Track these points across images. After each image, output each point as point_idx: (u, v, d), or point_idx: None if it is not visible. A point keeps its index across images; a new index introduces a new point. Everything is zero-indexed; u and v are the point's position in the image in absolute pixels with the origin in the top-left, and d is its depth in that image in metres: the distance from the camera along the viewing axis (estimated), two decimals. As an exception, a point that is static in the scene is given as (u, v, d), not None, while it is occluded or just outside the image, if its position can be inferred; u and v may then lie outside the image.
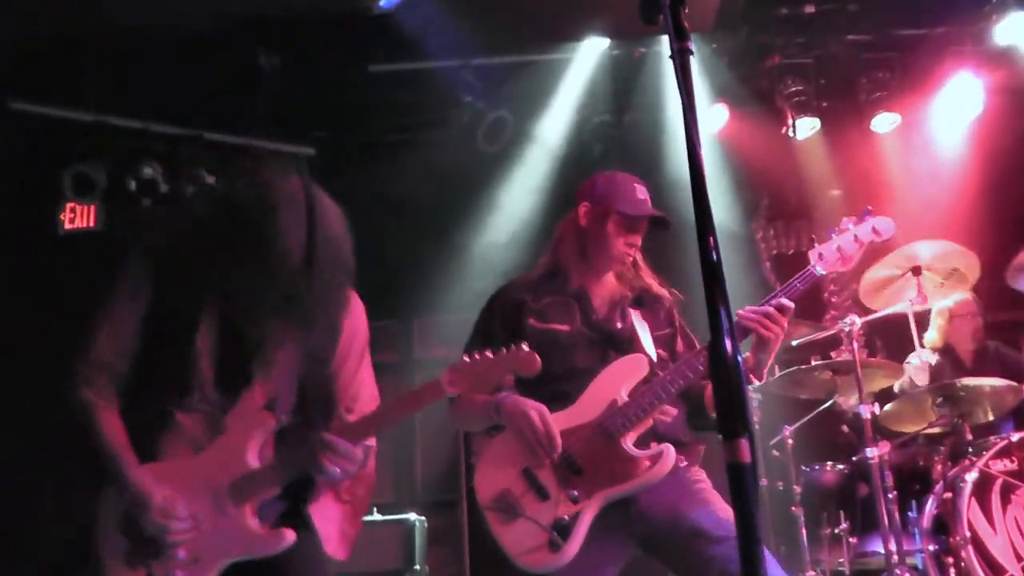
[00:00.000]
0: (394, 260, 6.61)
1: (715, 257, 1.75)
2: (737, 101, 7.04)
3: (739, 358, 1.72)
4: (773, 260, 7.49)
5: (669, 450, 3.06)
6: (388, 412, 2.79)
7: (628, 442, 3.08)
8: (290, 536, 2.67)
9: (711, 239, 1.76)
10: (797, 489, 5.47)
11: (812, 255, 3.20)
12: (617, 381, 3.18)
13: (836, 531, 5.30)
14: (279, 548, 2.66)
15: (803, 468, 5.60)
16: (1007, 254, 5.48)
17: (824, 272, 3.18)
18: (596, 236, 3.39)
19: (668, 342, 3.44)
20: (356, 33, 6.22)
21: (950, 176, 7.22)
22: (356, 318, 2.96)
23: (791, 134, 7.04)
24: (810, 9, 6.67)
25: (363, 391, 2.97)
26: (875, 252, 4.46)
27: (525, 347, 2.81)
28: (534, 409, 3.11)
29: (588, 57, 6.78)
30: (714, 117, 6.95)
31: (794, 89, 6.97)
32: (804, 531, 5.37)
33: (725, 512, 3.03)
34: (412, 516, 5.75)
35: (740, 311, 3.06)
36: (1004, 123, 7.11)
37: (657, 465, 3.04)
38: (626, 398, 3.14)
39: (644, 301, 3.47)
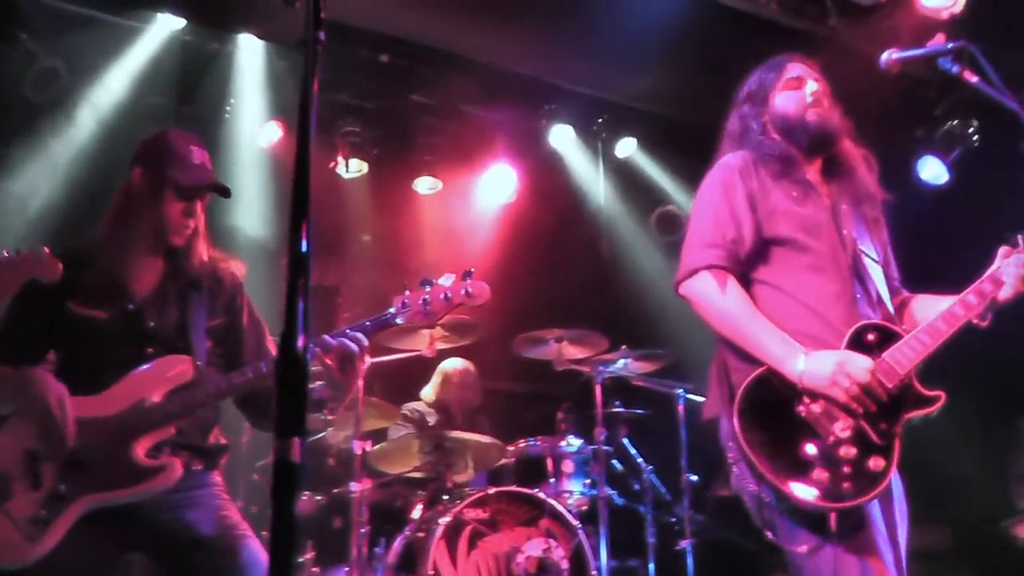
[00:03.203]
0: None
1: (305, 248, 1.70)
2: (294, 123, 6.99)
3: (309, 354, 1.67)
4: (293, 286, 7.47)
5: (174, 466, 2.90)
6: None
7: (140, 448, 2.88)
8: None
9: (304, 227, 1.71)
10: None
11: (396, 301, 2.99)
12: (150, 381, 2.96)
13: (300, 560, 5.32)
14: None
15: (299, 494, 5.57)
16: (516, 328, 5.92)
17: (402, 322, 3.00)
18: (149, 204, 3.12)
19: (224, 332, 3.22)
20: None
21: (477, 247, 7.73)
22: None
23: (340, 171, 7.16)
24: (385, 59, 6.86)
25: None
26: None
27: (46, 250, 2.66)
28: (54, 392, 2.85)
29: (159, 34, 6.36)
30: (269, 131, 6.89)
31: (351, 129, 7.12)
32: (267, 558, 5.30)
33: (230, 520, 2.97)
34: None
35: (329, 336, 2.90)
36: (532, 215, 7.77)
37: (159, 478, 2.88)
38: (156, 400, 2.93)
39: (200, 285, 3.21)
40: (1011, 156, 2.69)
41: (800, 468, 2.63)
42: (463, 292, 3.02)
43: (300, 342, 1.63)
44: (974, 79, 2.82)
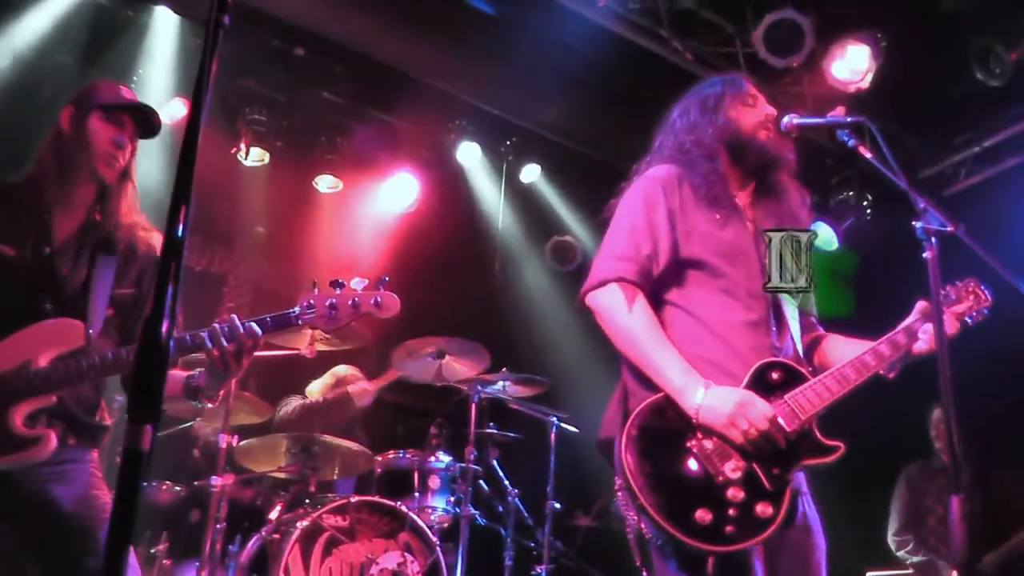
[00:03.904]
0: None
1: (180, 233, 1.65)
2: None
3: (172, 342, 1.63)
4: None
5: (49, 437, 2.76)
6: None
7: (18, 415, 2.73)
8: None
9: (183, 212, 1.67)
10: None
11: (302, 301, 2.83)
12: (41, 342, 2.81)
13: (153, 551, 5.19)
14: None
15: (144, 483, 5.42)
16: (398, 338, 5.86)
17: (304, 323, 2.84)
18: (77, 136, 3.02)
19: (129, 304, 3.05)
20: None
21: (370, 252, 7.68)
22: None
23: (241, 157, 7.04)
24: (300, 52, 6.78)
25: None
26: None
27: None
28: None
29: (72, -10, 6.20)
30: (173, 108, 6.73)
31: (257, 118, 7.01)
32: (124, 545, 5.16)
33: (98, 501, 2.88)
34: None
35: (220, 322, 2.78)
36: (429, 228, 7.77)
37: (32, 449, 2.74)
38: (42, 365, 2.77)
39: (114, 247, 3.02)
40: (901, 232, 2.73)
41: (684, 505, 2.53)
42: (372, 301, 2.87)
43: (164, 327, 1.59)
44: (868, 155, 2.90)
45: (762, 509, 2.56)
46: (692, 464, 2.60)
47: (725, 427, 2.59)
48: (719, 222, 2.90)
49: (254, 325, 2.78)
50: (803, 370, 2.77)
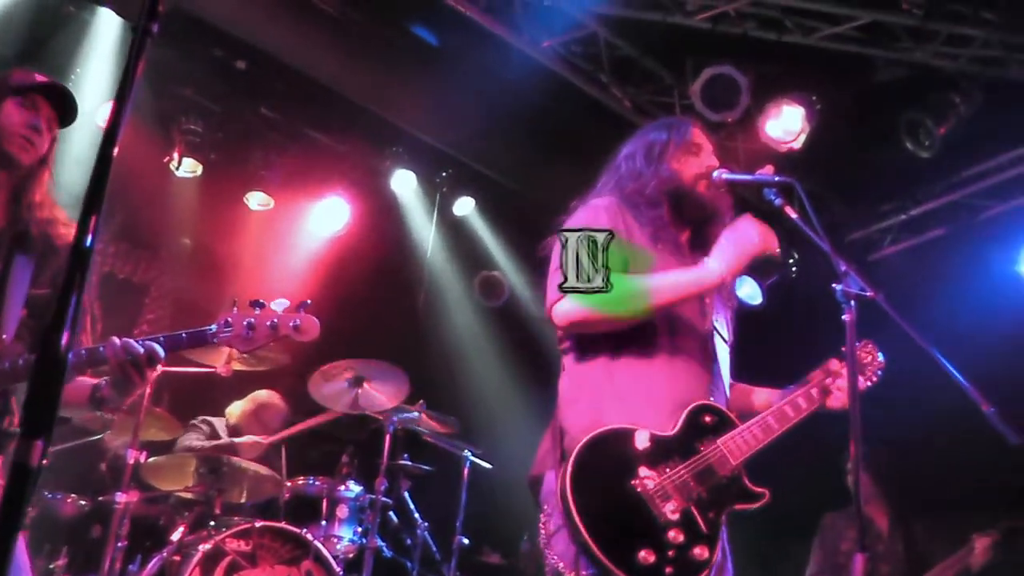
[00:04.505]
0: None
1: (89, 243, 1.60)
2: (138, 108, 6.75)
3: (71, 355, 1.57)
4: (103, 277, 7.15)
5: None
6: None
7: None
8: None
9: (93, 222, 1.62)
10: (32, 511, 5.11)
11: (220, 318, 2.75)
12: None
13: (52, 566, 5.04)
14: None
15: (45, 494, 5.26)
16: (316, 361, 5.78)
17: (219, 342, 2.73)
18: None
19: (45, 306, 2.86)
20: None
21: (296, 273, 7.60)
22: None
23: (173, 167, 6.93)
24: (241, 65, 6.72)
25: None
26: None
27: None
28: None
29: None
30: (108, 110, 6.58)
31: (192, 127, 6.93)
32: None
33: None
34: None
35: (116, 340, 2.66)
36: (358, 253, 7.71)
37: None
38: None
39: (31, 244, 2.86)
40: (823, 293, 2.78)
41: (628, 545, 2.51)
42: (291, 324, 2.76)
43: (64, 339, 1.54)
44: (794, 215, 2.92)
45: (699, 552, 2.58)
46: (634, 504, 2.58)
47: (758, 246, 2.82)
48: (660, 251, 2.93)
49: (156, 346, 2.66)
50: (732, 416, 2.80)
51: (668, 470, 2.63)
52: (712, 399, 2.83)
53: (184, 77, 6.75)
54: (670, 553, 2.54)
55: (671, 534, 2.56)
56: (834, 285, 2.67)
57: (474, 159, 7.48)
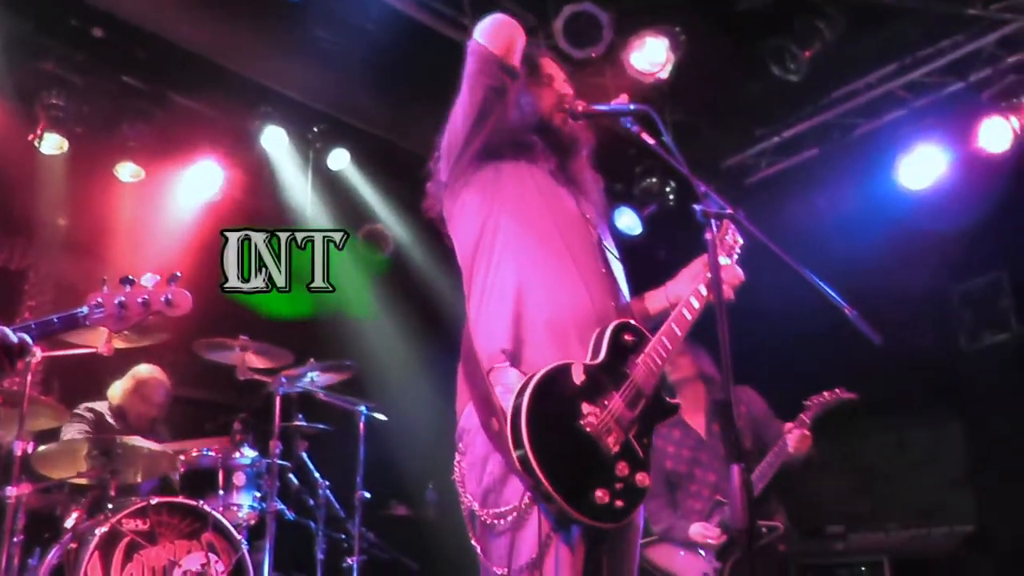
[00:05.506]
0: None
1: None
2: (-1, 86, 6.51)
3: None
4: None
5: None
6: None
7: None
8: None
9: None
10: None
11: (90, 299, 2.76)
12: None
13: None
14: None
15: None
16: (201, 332, 5.75)
17: (91, 324, 2.77)
18: None
19: None
20: None
21: (174, 242, 7.44)
22: None
23: (37, 144, 6.71)
24: (99, 33, 6.49)
25: None
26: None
27: None
28: None
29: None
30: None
31: (55, 102, 6.68)
32: None
33: None
34: None
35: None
36: (235, 216, 7.53)
37: None
38: None
39: None
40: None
41: (584, 488, 2.48)
42: (163, 299, 2.83)
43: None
44: (651, 141, 2.92)
45: (640, 478, 2.60)
46: (584, 445, 2.54)
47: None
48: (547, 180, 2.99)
49: (25, 335, 2.63)
50: (646, 331, 2.80)
51: (607, 403, 2.61)
52: (627, 318, 2.82)
53: (42, 50, 6.49)
54: (618, 486, 2.54)
55: (619, 467, 2.56)
56: (694, 206, 2.70)
57: (343, 112, 7.41)
